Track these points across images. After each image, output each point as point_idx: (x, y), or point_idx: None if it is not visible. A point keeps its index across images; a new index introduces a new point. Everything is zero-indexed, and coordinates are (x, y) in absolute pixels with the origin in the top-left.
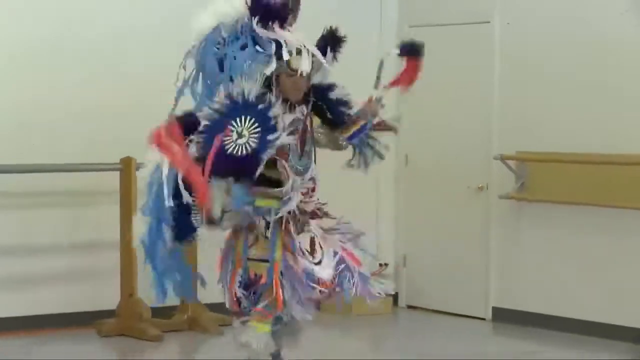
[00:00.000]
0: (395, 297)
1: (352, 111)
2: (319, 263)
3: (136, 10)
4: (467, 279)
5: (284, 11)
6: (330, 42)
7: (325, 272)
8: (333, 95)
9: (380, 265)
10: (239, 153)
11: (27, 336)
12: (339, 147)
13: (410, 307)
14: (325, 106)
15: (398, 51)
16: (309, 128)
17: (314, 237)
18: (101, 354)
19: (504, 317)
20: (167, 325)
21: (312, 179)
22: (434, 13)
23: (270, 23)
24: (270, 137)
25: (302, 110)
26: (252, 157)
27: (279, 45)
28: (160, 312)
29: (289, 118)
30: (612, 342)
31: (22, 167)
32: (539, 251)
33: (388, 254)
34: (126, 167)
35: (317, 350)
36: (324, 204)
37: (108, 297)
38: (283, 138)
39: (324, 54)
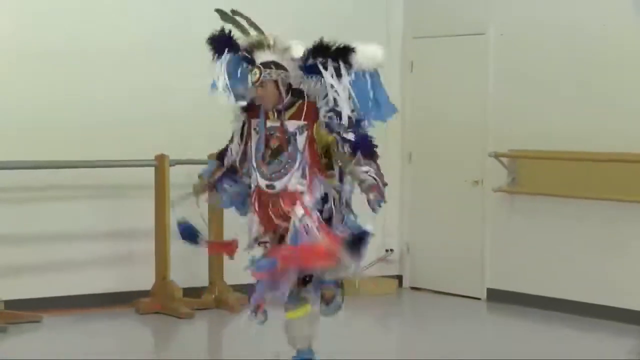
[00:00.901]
0: (400, 279)
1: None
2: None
3: (169, 11)
4: (464, 263)
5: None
6: (336, 55)
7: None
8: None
9: (387, 251)
10: None
11: (73, 314)
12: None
13: (413, 288)
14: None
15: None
16: (292, 139)
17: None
18: (139, 329)
19: (497, 297)
20: (196, 304)
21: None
22: (436, 25)
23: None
24: None
25: (300, 125)
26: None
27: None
28: (191, 293)
29: (255, 122)
30: (590, 320)
31: (69, 163)
32: (528, 238)
33: (394, 241)
34: (160, 163)
35: (326, 328)
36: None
37: (144, 279)
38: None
39: (338, 68)
